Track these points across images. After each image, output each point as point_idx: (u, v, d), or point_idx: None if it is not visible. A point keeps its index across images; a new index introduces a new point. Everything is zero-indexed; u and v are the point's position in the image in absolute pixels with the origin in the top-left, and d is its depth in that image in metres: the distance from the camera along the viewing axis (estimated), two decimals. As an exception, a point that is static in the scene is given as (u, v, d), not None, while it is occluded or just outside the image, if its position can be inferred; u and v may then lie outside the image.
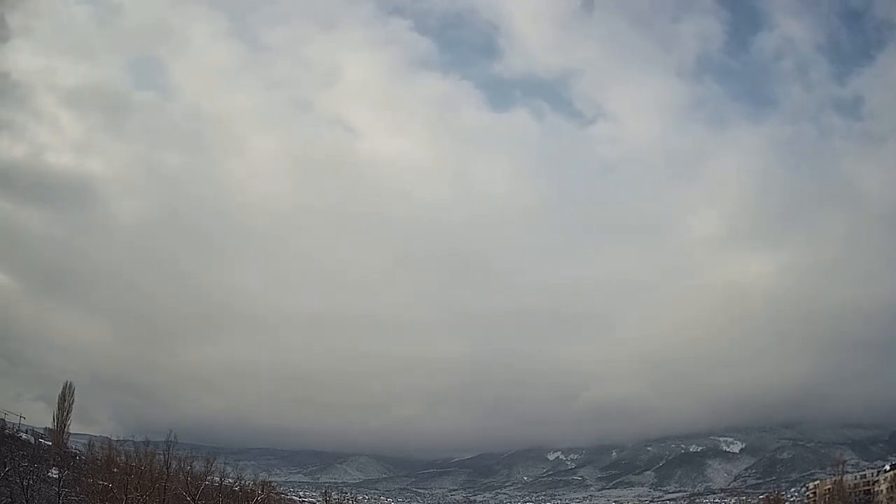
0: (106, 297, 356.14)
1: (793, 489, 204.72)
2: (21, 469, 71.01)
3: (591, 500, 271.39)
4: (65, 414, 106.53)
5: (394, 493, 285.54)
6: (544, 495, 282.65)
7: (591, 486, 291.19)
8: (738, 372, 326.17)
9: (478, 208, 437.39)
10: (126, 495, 63.44)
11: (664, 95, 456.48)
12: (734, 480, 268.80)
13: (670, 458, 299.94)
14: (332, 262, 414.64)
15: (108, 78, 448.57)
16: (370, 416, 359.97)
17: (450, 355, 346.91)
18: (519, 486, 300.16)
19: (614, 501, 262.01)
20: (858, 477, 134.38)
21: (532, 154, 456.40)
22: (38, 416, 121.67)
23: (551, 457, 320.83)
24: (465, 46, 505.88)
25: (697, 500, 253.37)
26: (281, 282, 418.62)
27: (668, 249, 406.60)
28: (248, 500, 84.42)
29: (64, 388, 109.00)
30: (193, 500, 72.53)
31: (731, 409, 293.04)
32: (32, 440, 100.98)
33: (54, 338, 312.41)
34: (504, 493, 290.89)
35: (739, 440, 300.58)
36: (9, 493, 67.39)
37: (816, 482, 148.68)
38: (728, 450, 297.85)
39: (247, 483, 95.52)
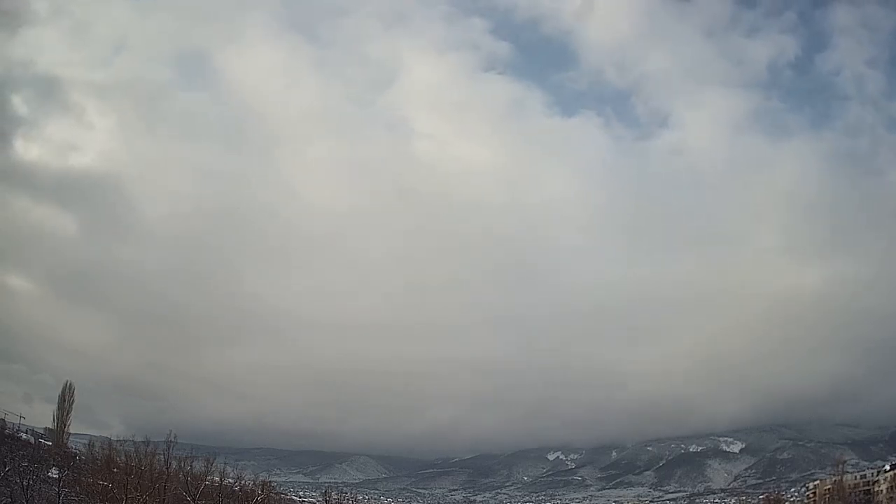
0: (128, 299, 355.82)
1: (793, 489, 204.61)
2: (21, 469, 71.00)
3: (591, 500, 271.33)
4: (65, 414, 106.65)
5: (394, 493, 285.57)
6: (544, 495, 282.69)
7: (591, 486, 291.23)
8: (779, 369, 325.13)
9: (537, 213, 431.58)
10: (126, 495, 63.35)
11: (729, 107, 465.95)
12: (734, 480, 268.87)
13: (670, 458, 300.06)
14: (381, 266, 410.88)
15: (146, 71, 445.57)
16: (405, 417, 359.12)
17: (493, 356, 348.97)
18: (519, 486, 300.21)
19: (614, 501, 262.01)
20: (858, 477, 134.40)
21: (595, 161, 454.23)
22: (38, 416, 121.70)
23: (551, 457, 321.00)
24: (538, 51, 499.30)
25: (697, 500, 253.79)
26: (323, 286, 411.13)
27: (725, 258, 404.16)
28: (248, 500, 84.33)
29: (64, 388, 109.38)
30: (193, 500, 72.51)
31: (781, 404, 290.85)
32: (32, 440, 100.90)
33: (67, 340, 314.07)
34: (504, 493, 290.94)
35: (739, 440, 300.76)
36: (9, 493, 67.39)
37: (816, 482, 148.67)
38: (728, 450, 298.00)
39: (247, 483, 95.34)
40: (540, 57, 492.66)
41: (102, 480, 67.26)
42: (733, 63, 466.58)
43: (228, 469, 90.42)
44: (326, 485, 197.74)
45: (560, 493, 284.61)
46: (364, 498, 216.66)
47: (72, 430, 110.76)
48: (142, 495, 64.23)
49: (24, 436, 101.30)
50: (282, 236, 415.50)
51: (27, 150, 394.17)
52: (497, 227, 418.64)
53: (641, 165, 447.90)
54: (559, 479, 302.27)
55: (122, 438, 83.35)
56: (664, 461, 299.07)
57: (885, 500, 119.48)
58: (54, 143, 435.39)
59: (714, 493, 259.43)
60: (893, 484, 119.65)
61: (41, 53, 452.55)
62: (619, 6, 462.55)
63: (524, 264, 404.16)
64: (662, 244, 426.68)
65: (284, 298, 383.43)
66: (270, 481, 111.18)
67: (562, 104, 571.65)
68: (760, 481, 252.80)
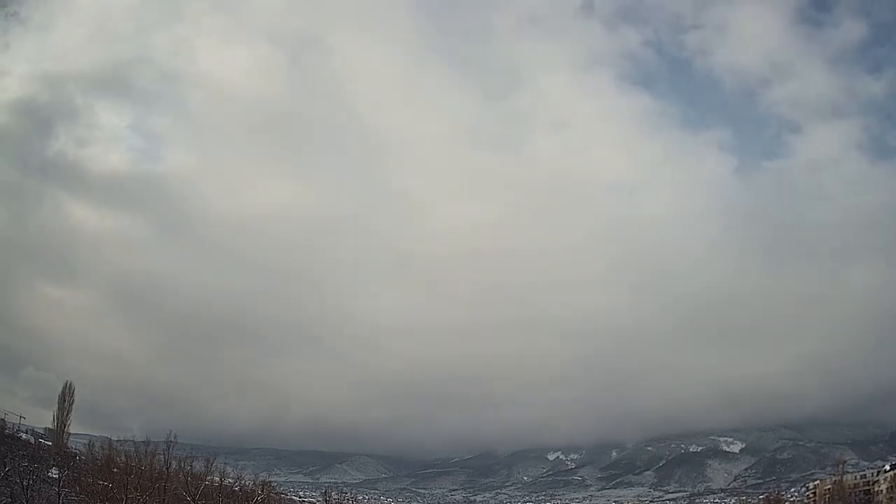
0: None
1: (793, 489, 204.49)
2: (21, 469, 71.07)
3: (591, 500, 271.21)
4: (65, 414, 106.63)
5: (394, 493, 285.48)
6: (544, 495, 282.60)
7: (591, 486, 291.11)
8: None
9: (661, 223, 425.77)
10: (126, 495, 63.38)
11: (850, 131, 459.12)
12: (734, 480, 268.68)
13: (670, 458, 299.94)
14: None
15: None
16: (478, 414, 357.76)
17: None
18: (519, 486, 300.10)
19: (614, 501, 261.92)
20: (858, 477, 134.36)
21: (722, 176, 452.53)
22: (38, 416, 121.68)
23: (551, 457, 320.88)
24: (676, 62, 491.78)
25: (697, 500, 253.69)
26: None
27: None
28: (248, 500, 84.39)
29: (64, 389, 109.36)
30: (193, 500, 72.56)
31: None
32: (32, 440, 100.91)
33: (109, 348, 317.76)
34: (504, 493, 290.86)
35: (739, 440, 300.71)
36: (9, 493, 67.43)
37: (816, 482, 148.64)
38: (728, 450, 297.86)
39: (247, 483, 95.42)
40: (677, 73, 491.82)
41: (102, 480, 67.31)
42: (857, 92, 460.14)
43: (228, 469, 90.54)
44: (326, 485, 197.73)
45: (560, 493, 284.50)
46: (364, 498, 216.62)
47: (72, 430, 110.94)
48: (142, 495, 64.27)
49: (24, 436, 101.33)
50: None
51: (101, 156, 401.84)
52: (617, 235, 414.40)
53: (767, 182, 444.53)
54: (559, 479, 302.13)
55: (121, 438, 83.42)
56: (664, 461, 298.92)
57: (885, 500, 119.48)
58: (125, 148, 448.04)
59: (714, 493, 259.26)
60: (893, 484, 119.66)
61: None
62: (754, 30, 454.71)
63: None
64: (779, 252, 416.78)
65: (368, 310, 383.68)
66: (270, 481, 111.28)
67: (693, 119, 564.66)
68: (760, 481, 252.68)
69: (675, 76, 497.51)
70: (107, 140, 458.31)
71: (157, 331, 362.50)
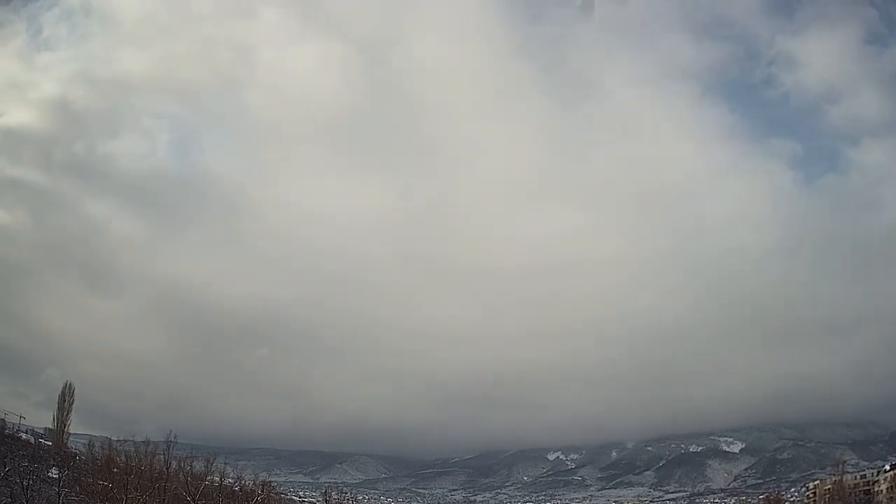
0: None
1: (793, 489, 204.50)
2: (21, 469, 71.08)
3: (591, 500, 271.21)
4: (65, 414, 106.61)
5: (394, 493, 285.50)
6: (544, 495, 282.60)
7: (591, 486, 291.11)
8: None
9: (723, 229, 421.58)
10: (126, 495, 63.42)
11: None
12: (734, 480, 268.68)
13: (670, 458, 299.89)
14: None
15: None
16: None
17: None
18: (519, 486, 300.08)
19: (614, 501, 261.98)
20: (858, 477, 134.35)
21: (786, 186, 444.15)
22: (38, 416, 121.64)
23: (551, 457, 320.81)
24: (751, 77, 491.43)
25: (697, 500, 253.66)
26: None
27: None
28: (248, 500, 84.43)
29: (64, 389, 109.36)
30: (193, 500, 72.60)
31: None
32: (32, 440, 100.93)
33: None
34: (504, 493, 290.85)
35: (739, 440, 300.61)
36: (9, 493, 67.45)
37: (816, 482, 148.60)
38: (728, 450, 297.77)
39: (247, 483, 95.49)
40: (750, 87, 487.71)
41: (102, 480, 67.37)
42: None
43: (228, 469, 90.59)
44: (326, 485, 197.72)
45: (560, 493, 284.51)
46: (364, 498, 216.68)
47: (72, 430, 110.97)
48: (142, 495, 64.33)
49: (24, 436, 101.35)
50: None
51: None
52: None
53: (824, 193, 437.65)
54: (559, 479, 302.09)
55: (121, 438, 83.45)
56: (664, 461, 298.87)
57: (885, 500, 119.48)
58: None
59: (714, 493, 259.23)
60: (893, 484, 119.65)
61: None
62: (823, 49, 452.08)
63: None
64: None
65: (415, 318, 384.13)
66: (270, 481, 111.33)
67: (760, 131, 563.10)
68: (760, 481, 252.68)
69: (747, 90, 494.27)
70: (146, 141, 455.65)
71: (191, 336, 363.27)
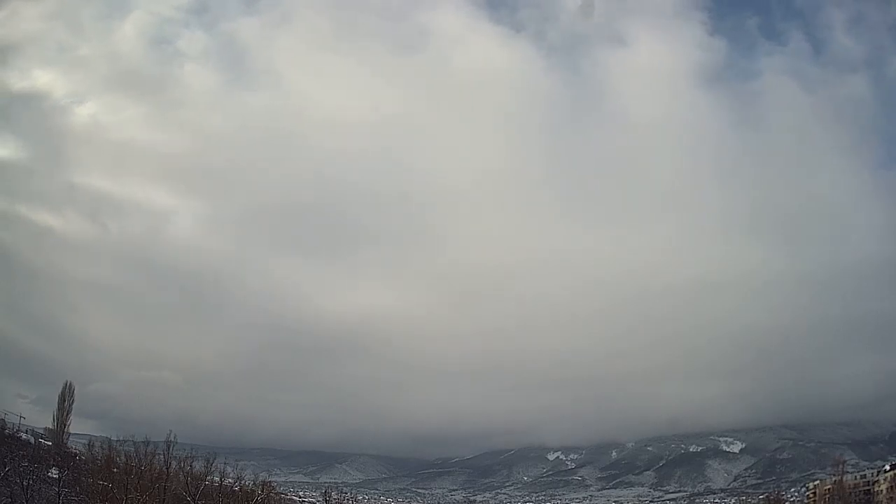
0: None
1: (793, 489, 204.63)
2: (21, 469, 71.05)
3: (591, 500, 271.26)
4: (65, 414, 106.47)
5: (394, 493, 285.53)
6: (544, 495, 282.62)
7: (591, 486, 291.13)
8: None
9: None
10: (126, 495, 63.46)
11: None
12: (734, 480, 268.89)
13: (670, 458, 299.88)
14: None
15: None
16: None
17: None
18: (519, 486, 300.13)
19: (614, 501, 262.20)
20: (858, 477, 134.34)
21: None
22: (38, 416, 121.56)
23: (551, 457, 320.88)
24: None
25: (697, 500, 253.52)
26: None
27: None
28: (248, 500, 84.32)
29: (64, 389, 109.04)
30: (193, 500, 72.56)
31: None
32: (32, 440, 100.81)
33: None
34: (504, 493, 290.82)
35: (739, 440, 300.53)
36: (9, 493, 67.41)
37: (816, 482, 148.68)
38: (728, 450, 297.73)
39: (247, 483, 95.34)
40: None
41: (102, 480, 67.41)
42: None
43: (228, 469, 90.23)
44: (326, 485, 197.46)
45: (560, 493, 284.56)
46: (364, 498, 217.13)
47: (72, 430, 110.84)
48: (142, 495, 64.35)
49: (24, 436, 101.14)
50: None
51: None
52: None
53: None
54: (559, 479, 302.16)
55: (121, 438, 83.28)
56: (664, 461, 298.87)
57: (885, 500, 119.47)
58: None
59: (714, 493, 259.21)
60: (893, 484, 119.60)
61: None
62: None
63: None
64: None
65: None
66: (270, 481, 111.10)
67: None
68: (760, 481, 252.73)
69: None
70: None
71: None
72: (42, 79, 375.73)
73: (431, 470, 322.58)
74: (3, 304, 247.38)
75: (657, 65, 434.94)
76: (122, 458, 73.70)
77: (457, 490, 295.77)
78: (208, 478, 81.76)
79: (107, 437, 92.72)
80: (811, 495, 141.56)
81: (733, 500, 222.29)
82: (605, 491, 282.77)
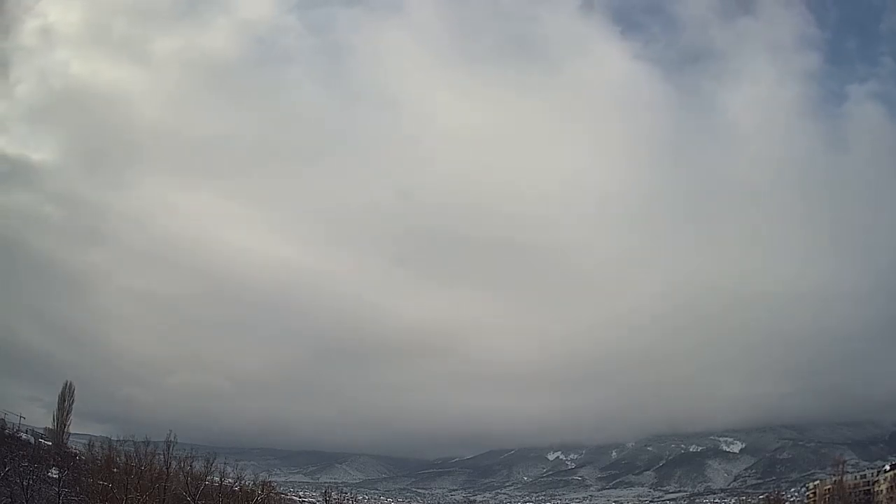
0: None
1: (793, 489, 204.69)
2: (21, 469, 71.04)
3: (591, 500, 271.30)
4: (65, 414, 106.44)
5: (394, 493, 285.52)
6: (544, 495, 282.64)
7: (591, 486, 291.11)
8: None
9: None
10: (126, 495, 63.45)
11: None
12: (734, 480, 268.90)
13: (670, 458, 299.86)
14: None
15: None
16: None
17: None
18: (519, 486, 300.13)
19: (614, 501, 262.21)
20: (858, 477, 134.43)
21: None
22: (39, 416, 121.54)
23: (551, 457, 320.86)
24: None
25: (697, 500, 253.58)
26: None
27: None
28: (248, 500, 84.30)
29: (64, 389, 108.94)
30: (193, 500, 72.56)
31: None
32: (32, 440, 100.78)
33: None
34: (504, 493, 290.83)
35: (739, 440, 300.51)
36: (9, 493, 67.41)
37: (816, 482, 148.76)
38: (728, 450, 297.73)
39: (247, 483, 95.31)
40: None
41: (102, 480, 67.41)
42: None
43: (228, 469, 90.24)
44: (326, 485, 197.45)
45: (560, 493, 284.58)
46: (364, 498, 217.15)
47: (72, 430, 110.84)
48: (142, 495, 64.34)
49: (24, 436, 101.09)
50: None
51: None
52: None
53: None
54: (559, 479, 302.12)
55: (121, 438, 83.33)
56: (664, 461, 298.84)
57: (885, 500, 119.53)
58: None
59: (714, 493, 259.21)
60: (893, 484, 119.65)
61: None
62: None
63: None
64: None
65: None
66: (270, 481, 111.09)
67: None
68: (760, 481, 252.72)
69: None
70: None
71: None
72: (106, 75, 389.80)
73: (431, 470, 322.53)
74: (40, 311, 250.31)
75: (767, 94, 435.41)
76: (122, 458, 73.68)
77: (457, 490, 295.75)
78: (208, 478, 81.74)
79: (107, 438, 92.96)
80: (811, 495, 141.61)
81: (733, 500, 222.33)
82: (605, 491, 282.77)
